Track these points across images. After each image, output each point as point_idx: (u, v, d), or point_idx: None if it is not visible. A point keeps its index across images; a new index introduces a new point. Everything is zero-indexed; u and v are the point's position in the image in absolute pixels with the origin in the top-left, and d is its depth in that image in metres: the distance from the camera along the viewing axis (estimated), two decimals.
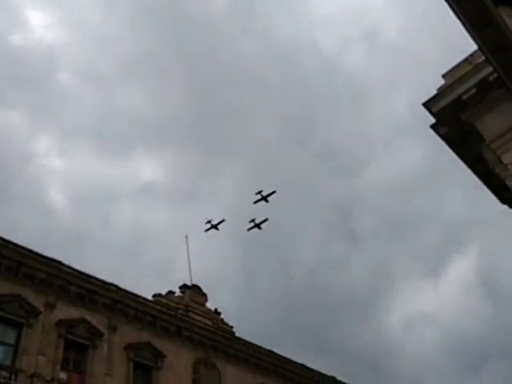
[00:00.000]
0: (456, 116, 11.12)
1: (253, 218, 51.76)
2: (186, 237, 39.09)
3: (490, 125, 10.62)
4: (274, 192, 52.31)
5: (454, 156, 12.21)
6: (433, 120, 11.60)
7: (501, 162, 10.62)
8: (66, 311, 25.08)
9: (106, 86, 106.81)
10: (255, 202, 52.94)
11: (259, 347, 34.86)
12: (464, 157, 12.02)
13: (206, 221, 51.02)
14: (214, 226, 51.68)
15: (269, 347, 35.58)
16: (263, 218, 51.99)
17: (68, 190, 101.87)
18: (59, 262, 25.89)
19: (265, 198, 52.55)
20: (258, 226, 52.70)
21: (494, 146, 10.53)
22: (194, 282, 35.08)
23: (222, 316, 35.16)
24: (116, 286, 27.95)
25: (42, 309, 24.04)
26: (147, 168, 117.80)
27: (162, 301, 31.12)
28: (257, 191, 51.67)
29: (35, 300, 23.99)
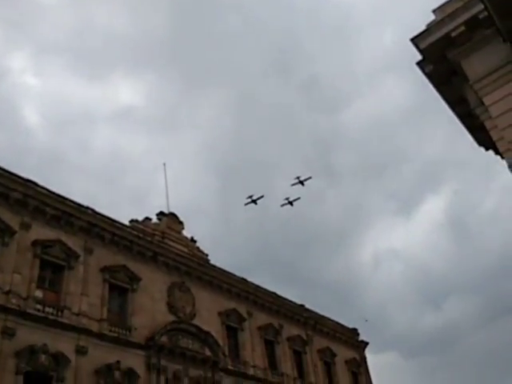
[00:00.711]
0: (443, 54, 10.92)
1: (287, 197, 57.68)
2: (164, 164, 38.97)
3: (475, 65, 10.48)
4: (310, 177, 57.71)
5: (437, 96, 12.14)
6: (419, 57, 11.40)
7: (482, 103, 10.60)
8: (41, 232, 25.19)
9: (83, 1, 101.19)
10: (293, 185, 57.95)
11: (232, 274, 35.99)
12: (446, 97, 11.95)
13: (247, 196, 56.10)
14: (254, 201, 56.55)
15: (242, 276, 36.78)
16: (296, 197, 57.50)
17: (43, 110, 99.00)
18: (34, 183, 25.67)
19: (301, 182, 57.45)
20: (290, 203, 58.10)
21: (477, 87, 10.45)
22: (171, 210, 35.43)
23: (197, 244, 35.88)
24: (92, 210, 28.02)
25: (17, 228, 24.07)
26: (126, 91, 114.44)
27: (139, 226, 31.46)
28: (295, 176, 56.90)
29: (10, 219, 23.96)
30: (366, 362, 45.27)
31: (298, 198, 57.38)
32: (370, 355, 46.38)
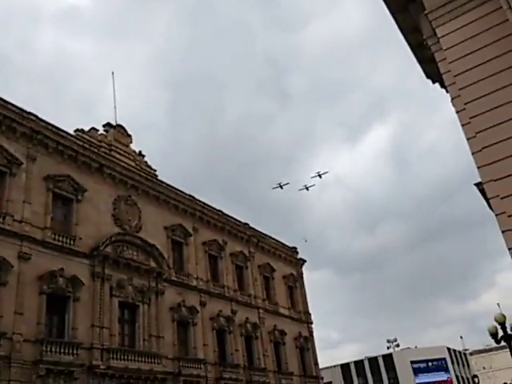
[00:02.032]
0: None
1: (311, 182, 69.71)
2: (113, 74, 37.27)
3: None
4: (326, 172, 70.14)
5: (392, 25, 12.20)
6: None
7: (435, 34, 10.80)
8: None
9: None
10: (312, 177, 69.15)
11: (180, 191, 36.30)
12: (401, 25, 12.02)
13: (276, 183, 68.62)
14: (281, 186, 68.44)
15: (189, 193, 37.15)
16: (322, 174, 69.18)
17: None
18: None
19: (320, 176, 69.23)
20: (307, 188, 69.35)
21: (432, 17, 10.58)
22: (119, 122, 34.51)
23: (145, 159, 35.54)
24: (36, 116, 26.88)
25: None
26: None
27: (85, 137, 30.64)
28: (315, 171, 69.16)
29: None
30: (302, 278, 48.21)
31: (313, 185, 69.25)
32: (306, 272, 49.43)
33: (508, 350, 15.53)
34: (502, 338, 14.69)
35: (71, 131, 29.94)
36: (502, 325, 14.58)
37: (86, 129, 31.55)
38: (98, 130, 32.51)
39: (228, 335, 35.54)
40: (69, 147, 28.45)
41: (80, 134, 30.58)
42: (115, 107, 34.98)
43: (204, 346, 32.76)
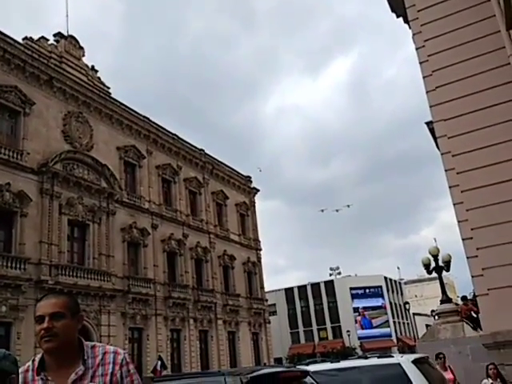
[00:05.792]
0: None
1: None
2: None
3: None
4: (351, 204, 76.08)
5: None
6: None
7: None
8: None
9: None
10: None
11: (135, 111, 35.27)
12: None
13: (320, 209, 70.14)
14: (321, 210, 79.34)
15: (145, 114, 36.17)
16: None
17: None
18: None
19: (348, 205, 78.20)
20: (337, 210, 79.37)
21: None
22: (71, 33, 32.44)
23: (98, 74, 33.96)
24: None
25: None
26: None
27: (34, 46, 28.75)
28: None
29: None
30: (254, 207, 49.16)
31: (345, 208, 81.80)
32: (258, 201, 50.32)
33: (438, 280, 16.79)
34: (433, 269, 15.75)
35: (19, 39, 27.95)
36: (435, 257, 15.59)
37: (36, 37, 29.53)
38: (48, 40, 30.51)
39: (178, 257, 36.32)
40: (16, 56, 26.68)
41: (29, 42, 28.63)
42: (67, 16, 32.75)
43: (154, 267, 33.44)
